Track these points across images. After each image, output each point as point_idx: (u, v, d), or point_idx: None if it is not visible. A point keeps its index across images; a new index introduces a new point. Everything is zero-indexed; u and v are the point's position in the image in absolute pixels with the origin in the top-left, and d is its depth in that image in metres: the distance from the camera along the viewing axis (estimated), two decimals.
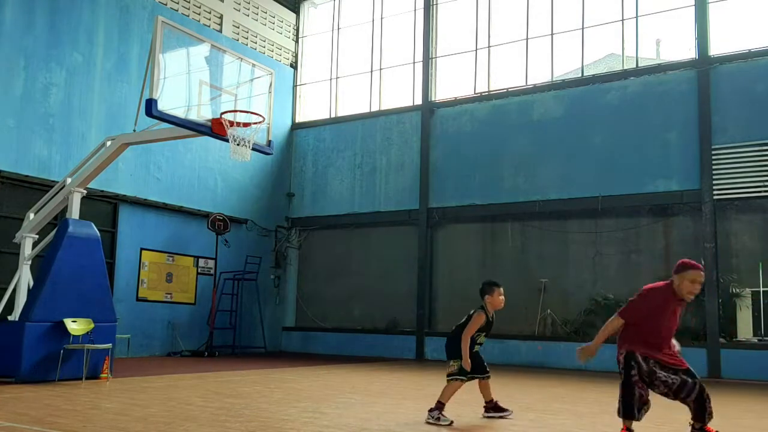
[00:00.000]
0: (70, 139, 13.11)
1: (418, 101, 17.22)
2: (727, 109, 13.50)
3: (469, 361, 6.01)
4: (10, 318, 9.43)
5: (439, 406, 6.00)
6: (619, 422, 5.00)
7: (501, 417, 6.38)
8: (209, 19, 16.57)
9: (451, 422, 5.87)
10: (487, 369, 6.36)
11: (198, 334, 15.45)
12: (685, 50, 14.85)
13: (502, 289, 6.28)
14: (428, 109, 16.91)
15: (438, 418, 5.91)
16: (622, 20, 14.93)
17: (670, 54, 17.56)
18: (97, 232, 9.59)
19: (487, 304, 6.22)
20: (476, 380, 6.31)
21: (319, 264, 18.18)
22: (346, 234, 17.91)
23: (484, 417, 6.40)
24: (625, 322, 5.18)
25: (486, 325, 6.19)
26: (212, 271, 15.76)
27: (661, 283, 5.23)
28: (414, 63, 17.57)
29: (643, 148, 14.21)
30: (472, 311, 6.22)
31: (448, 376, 6.12)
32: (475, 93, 16.57)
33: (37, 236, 10.07)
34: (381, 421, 6.10)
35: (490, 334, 6.38)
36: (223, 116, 8.91)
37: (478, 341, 6.23)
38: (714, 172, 13.34)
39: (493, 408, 6.44)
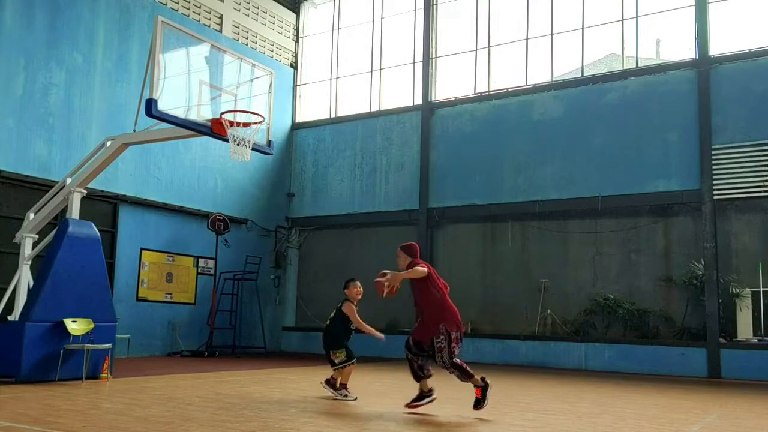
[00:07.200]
0: (70, 139, 13.11)
1: (418, 101, 17.22)
2: (727, 109, 13.50)
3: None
4: (10, 318, 9.43)
5: (343, 386, 7.38)
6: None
7: (337, 398, 7.37)
8: (209, 19, 16.58)
9: (356, 398, 7.24)
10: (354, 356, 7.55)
11: (198, 334, 15.46)
12: (685, 50, 14.85)
13: (358, 283, 7.75)
14: (428, 109, 16.91)
15: (346, 395, 7.29)
16: (622, 20, 14.94)
17: (670, 54, 17.54)
18: (97, 232, 9.59)
19: (350, 297, 7.62)
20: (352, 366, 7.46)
21: (319, 264, 18.19)
22: (346, 234, 17.92)
23: (323, 385, 7.57)
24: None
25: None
26: (212, 272, 15.76)
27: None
28: (414, 63, 17.58)
29: (643, 148, 14.21)
30: (339, 304, 7.65)
31: (338, 364, 7.39)
32: (475, 93, 16.58)
33: (36, 236, 10.07)
34: (381, 421, 6.10)
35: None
36: (223, 116, 8.90)
37: (352, 327, 7.56)
38: (714, 172, 13.34)
39: (334, 385, 7.50)
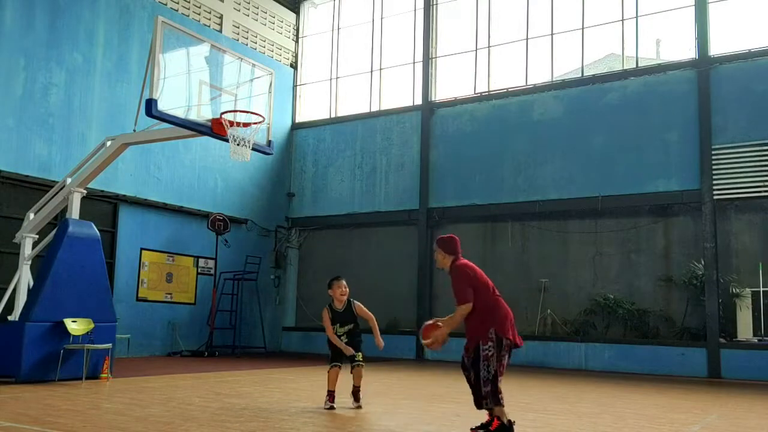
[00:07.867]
0: (70, 139, 13.11)
1: (418, 101, 17.23)
2: (727, 109, 13.50)
3: (337, 348, 6.75)
4: (10, 318, 9.43)
5: (329, 394, 6.67)
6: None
7: (357, 407, 6.79)
8: (209, 19, 16.58)
9: (329, 408, 6.54)
10: (357, 358, 6.78)
11: (198, 334, 15.45)
12: (685, 50, 14.85)
13: (343, 282, 7.02)
14: (428, 109, 16.91)
15: (325, 402, 6.63)
16: (622, 20, 14.94)
17: (670, 54, 17.54)
18: (97, 232, 9.59)
19: (333, 299, 6.97)
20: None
21: (319, 264, 18.18)
22: (346, 234, 17.92)
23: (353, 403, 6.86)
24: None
25: (336, 316, 6.88)
26: (212, 271, 15.76)
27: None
28: (414, 63, 17.58)
29: (643, 148, 14.21)
30: None
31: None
32: (475, 93, 16.58)
33: (37, 236, 10.07)
34: (381, 421, 6.10)
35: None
36: (223, 116, 8.90)
37: (339, 332, 6.85)
38: (714, 172, 13.34)
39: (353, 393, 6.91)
